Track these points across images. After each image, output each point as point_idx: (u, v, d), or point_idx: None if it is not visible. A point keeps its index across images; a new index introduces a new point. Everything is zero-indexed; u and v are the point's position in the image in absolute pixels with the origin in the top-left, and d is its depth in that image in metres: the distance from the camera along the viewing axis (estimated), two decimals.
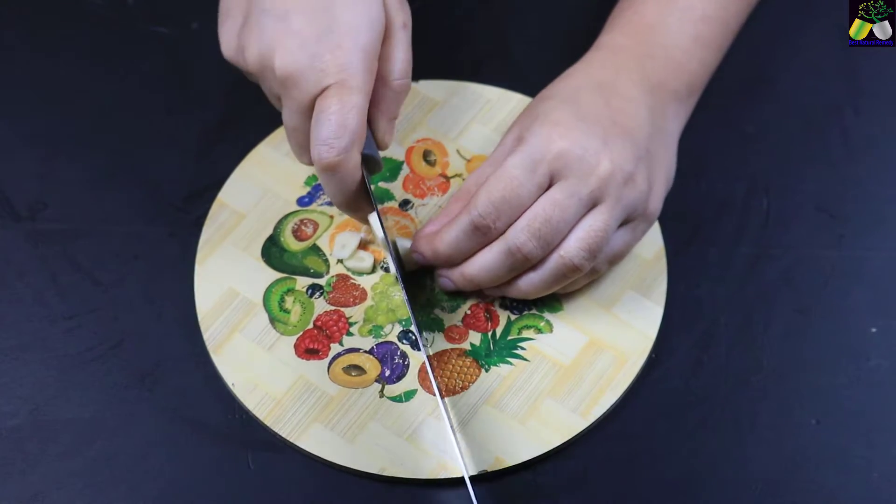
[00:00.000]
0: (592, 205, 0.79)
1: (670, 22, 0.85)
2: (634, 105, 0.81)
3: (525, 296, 0.82)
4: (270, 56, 0.78)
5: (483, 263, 0.80)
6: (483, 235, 0.79)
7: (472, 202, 0.79)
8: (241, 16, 0.80)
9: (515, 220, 0.79)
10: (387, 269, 0.85)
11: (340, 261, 0.85)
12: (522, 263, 0.79)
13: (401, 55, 0.80)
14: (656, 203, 0.81)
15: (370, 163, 0.81)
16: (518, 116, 0.83)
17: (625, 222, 0.81)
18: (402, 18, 0.80)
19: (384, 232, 0.81)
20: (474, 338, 0.83)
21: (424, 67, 0.93)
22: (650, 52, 0.84)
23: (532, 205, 0.79)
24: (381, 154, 0.87)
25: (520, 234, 0.79)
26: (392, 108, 0.81)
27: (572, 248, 0.79)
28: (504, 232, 0.79)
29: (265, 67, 0.79)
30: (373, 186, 0.84)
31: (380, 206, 0.88)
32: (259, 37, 0.79)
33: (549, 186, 0.79)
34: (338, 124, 0.77)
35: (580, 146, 0.78)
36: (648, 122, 0.81)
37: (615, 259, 0.82)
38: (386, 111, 0.81)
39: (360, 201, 0.80)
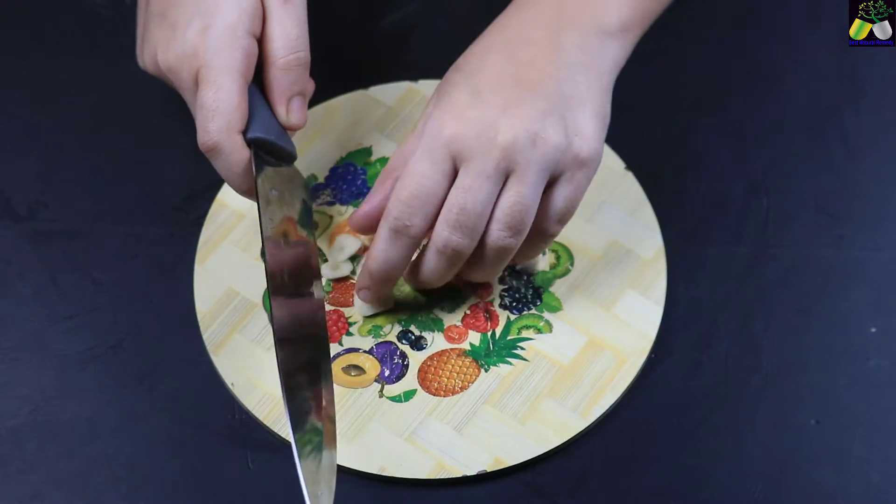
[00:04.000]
0: (504, 177, 0.77)
1: None
2: (544, 49, 0.79)
3: (486, 279, 0.82)
4: (156, 55, 0.80)
5: (423, 269, 0.80)
6: (406, 237, 0.78)
7: (385, 209, 0.78)
8: (142, 26, 0.82)
9: (433, 215, 0.77)
10: None
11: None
12: (459, 256, 0.78)
13: (280, 31, 0.79)
14: (586, 146, 0.78)
15: (270, 147, 0.80)
16: (438, 85, 0.81)
17: (555, 179, 0.78)
18: None
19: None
20: (474, 338, 0.83)
21: (424, 67, 0.93)
22: None
23: (448, 196, 0.77)
24: (382, 154, 0.87)
25: (442, 231, 0.77)
26: (284, 88, 0.80)
27: (494, 231, 0.78)
28: (423, 228, 0.78)
29: (157, 68, 0.80)
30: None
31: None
32: (148, 39, 0.81)
33: (456, 168, 0.77)
34: (207, 108, 0.77)
35: (474, 124, 0.76)
36: (561, 65, 0.78)
37: (564, 217, 0.79)
38: (279, 92, 0.80)
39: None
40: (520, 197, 0.77)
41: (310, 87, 0.83)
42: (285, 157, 0.81)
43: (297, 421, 0.74)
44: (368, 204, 0.81)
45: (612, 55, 0.81)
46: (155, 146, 0.91)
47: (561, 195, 0.78)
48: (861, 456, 0.80)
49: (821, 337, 0.84)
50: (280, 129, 0.80)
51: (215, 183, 0.88)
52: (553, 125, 0.77)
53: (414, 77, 0.92)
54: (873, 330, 0.84)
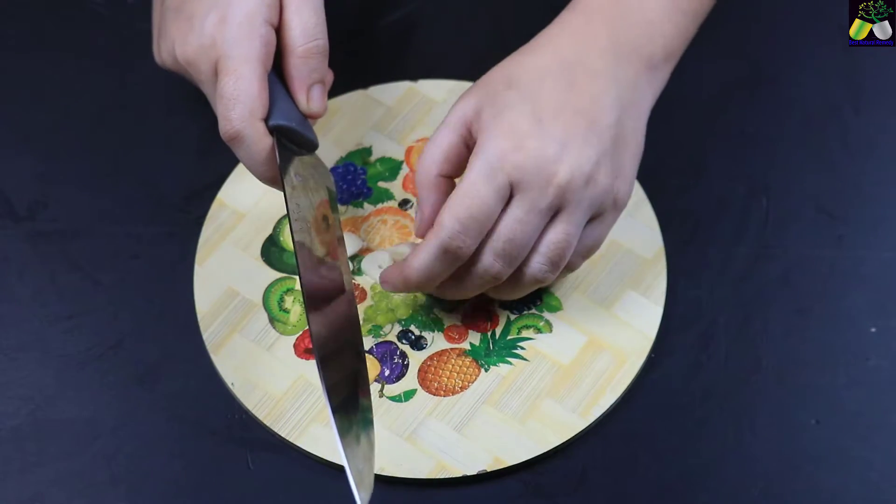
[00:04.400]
0: (554, 213, 0.77)
1: None
2: (602, 82, 0.79)
3: (499, 298, 0.82)
4: (174, 49, 0.80)
5: (455, 285, 0.80)
6: (456, 257, 0.77)
7: (436, 225, 0.77)
8: (158, 22, 0.83)
9: (484, 237, 0.77)
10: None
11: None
12: (491, 283, 0.79)
13: (298, 20, 0.79)
14: (624, 189, 0.79)
15: (293, 135, 0.80)
16: (480, 83, 0.80)
17: (592, 218, 0.79)
18: None
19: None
20: (474, 337, 0.83)
21: (424, 67, 0.93)
22: (625, 13, 0.81)
23: (496, 222, 0.77)
24: (381, 154, 0.87)
25: (486, 258, 0.77)
26: (304, 75, 0.80)
27: (536, 264, 0.78)
28: (473, 248, 0.77)
29: (175, 62, 0.81)
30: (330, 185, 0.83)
31: (380, 205, 0.88)
32: (165, 34, 0.81)
33: (511, 193, 0.77)
34: (228, 97, 0.77)
35: (536, 156, 0.76)
36: (615, 101, 0.79)
37: (588, 253, 0.81)
38: (299, 80, 0.80)
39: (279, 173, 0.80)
40: (566, 235, 0.78)
41: (329, 76, 0.83)
42: (307, 144, 0.81)
43: (335, 400, 0.74)
44: (428, 207, 0.80)
45: (654, 89, 0.82)
46: (155, 146, 0.91)
47: (592, 234, 0.80)
48: (861, 456, 0.80)
49: (821, 337, 0.84)
50: (301, 117, 0.80)
51: (215, 183, 0.88)
52: (605, 167, 0.78)
53: (414, 77, 0.92)
54: (873, 330, 0.84)
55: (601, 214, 0.79)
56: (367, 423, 0.74)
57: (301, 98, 0.80)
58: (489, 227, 0.77)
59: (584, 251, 0.80)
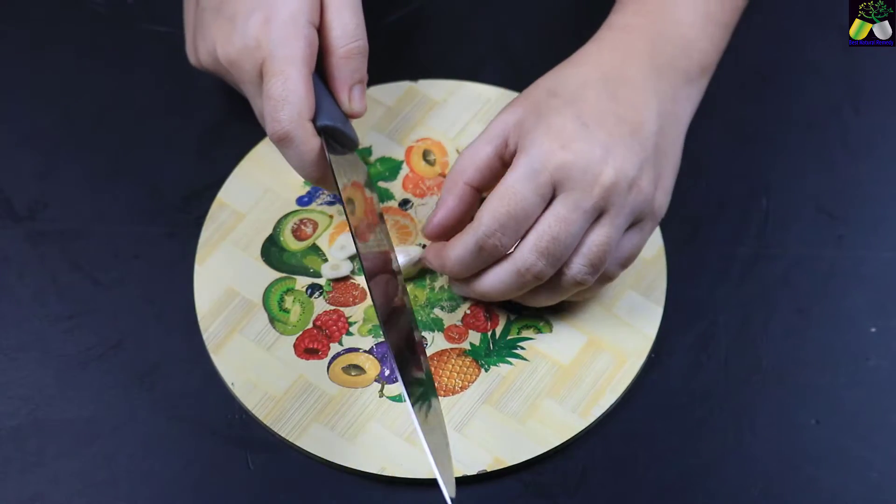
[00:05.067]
0: (597, 215, 0.78)
1: (683, 1, 0.83)
2: (643, 94, 0.80)
3: (535, 305, 0.82)
4: (215, 49, 0.80)
5: (493, 282, 0.79)
6: (489, 254, 0.78)
7: (476, 220, 0.77)
8: (193, 22, 0.83)
9: (522, 236, 0.78)
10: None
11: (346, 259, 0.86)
12: (532, 282, 0.79)
13: (339, 21, 0.80)
14: (663, 199, 0.80)
15: (337, 135, 0.80)
16: (521, 97, 0.81)
17: (631, 225, 0.79)
18: None
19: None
20: (474, 337, 0.83)
21: (424, 67, 0.93)
22: (662, 30, 0.82)
23: (537, 220, 0.77)
24: (381, 154, 0.87)
25: (528, 255, 0.77)
26: (346, 76, 0.81)
27: (576, 265, 0.78)
28: (510, 248, 0.78)
29: (216, 62, 0.81)
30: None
31: (380, 205, 0.88)
32: (203, 35, 0.82)
33: (552, 195, 0.77)
34: (276, 98, 0.78)
35: (582, 157, 0.77)
36: (656, 113, 0.80)
37: (626, 262, 0.81)
38: (341, 80, 0.81)
39: (327, 172, 0.80)
40: (608, 238, 0.78)
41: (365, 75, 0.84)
42: (349, 143, 0.82)
43: (414, 394, 0.75)
44: (443, 211, 0.80)
45: (692, 103, 0.83)
46: (155, 146, 0.91)
47: (630, 241, 0.80)
48: (861, 456, 0.80)
49: (821, 337, 0.84)
50: (343, 117, 0.81)
51: (215, 183, 0.88)
52: (647, 174, 0.78)
53: (414, 77, 0.92)
54: (873, 330, 0.84)
55: (640, 222, 0.79)
56: (438, 423, 0.75)
57: (343, 98, 0.81)
58: (528, 226, 0.77)
59: (623, 259, 0.80)
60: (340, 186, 0.79)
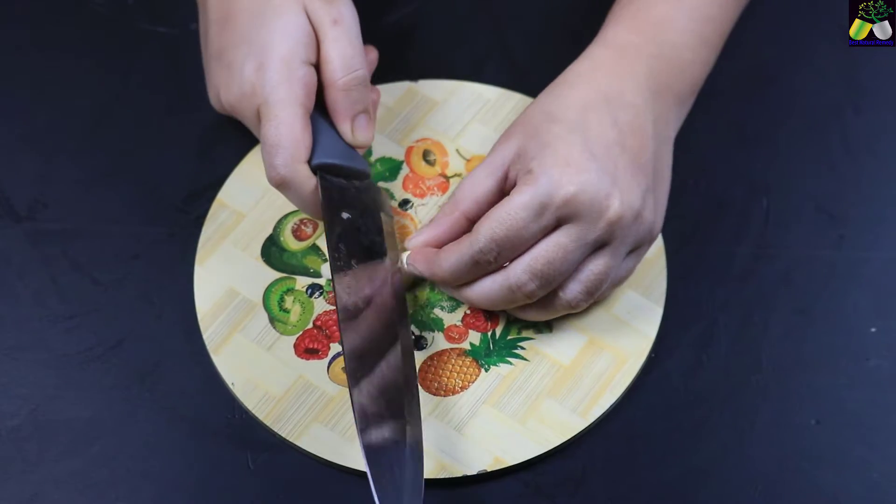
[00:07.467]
0: (599, 246, 0.78)
1: (678, 19, 0.83)
2: (641, 117, 0.79)
3: (526, 318, 0.82)
4: (220, 97, 0.83)
5: (483, 293, 0.79)
6: (483, 268, 0.78)
7: (474, 234, 0.77)
8: (206, 70, 0.85)
9: (517, 256, 0.77)
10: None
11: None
12: (523, 299, 0.79)
13: (336, 53, 0.80)
14: (660, 222, 0.81)
15: (338, 170, 0.81)
16: (518, 123, 0.80)
17: (629, 251, 0.80)
18: (330, 16, 0.80)
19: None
20: (474, 337, 0.83)
21: (424, 67, 0.93)
22: (658, 51, 0.82)
23: (536, 243, 0.77)
24: (381, 154, 0.86)
25: (521, 274, 0.77)
26: (347, 108, 0.81)
27: (572, 290, 0.78)
28: (504, 263, 0.78)
29: (225, 108, 0.83)
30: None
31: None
32: (210, 82, 0.84)
33: (556, 226, 0.77)
34: (270, 143, 0.79)
35: (590, 190, 0.76)
36: (653, 137, 0.80)
37: (620, 283, 0.82)
38: (343, 113, 0.81)
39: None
40: (607, 268, 0.78)
41: (374, 95, 0.85)
42: (357, 175, 0.82)
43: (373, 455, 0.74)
44: (432, 231, 0.80)
45: (679, 123, 0.84)
46: (155, 146, 0.91)
47: (627, 266, 0.80)
48: (861, 456, 0.80)
49: (821, 337, 0.84)
50: (347, 149, 0.82)
51: (215, 183, 0.88)
52: (650, 204, 0.78)
53: (414, 77, 0.92)
54: (873, 330, 0.84)
55: (639, 247, 0.80)
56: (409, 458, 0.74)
57: (346, 129, 0.82)
58: (524, 248, 0.77)
59: (618, 280, 0.81)
60: (327, 226, 0.79)
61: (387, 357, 0.77)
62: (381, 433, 0.74)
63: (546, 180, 0.76)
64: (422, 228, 0.82)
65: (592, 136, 0.78)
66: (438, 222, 0.81)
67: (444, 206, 0.81)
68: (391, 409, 0.75)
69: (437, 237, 0.81)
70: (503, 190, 0.79)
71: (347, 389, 0.81)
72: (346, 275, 0.78)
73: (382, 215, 0.83)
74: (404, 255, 0.82)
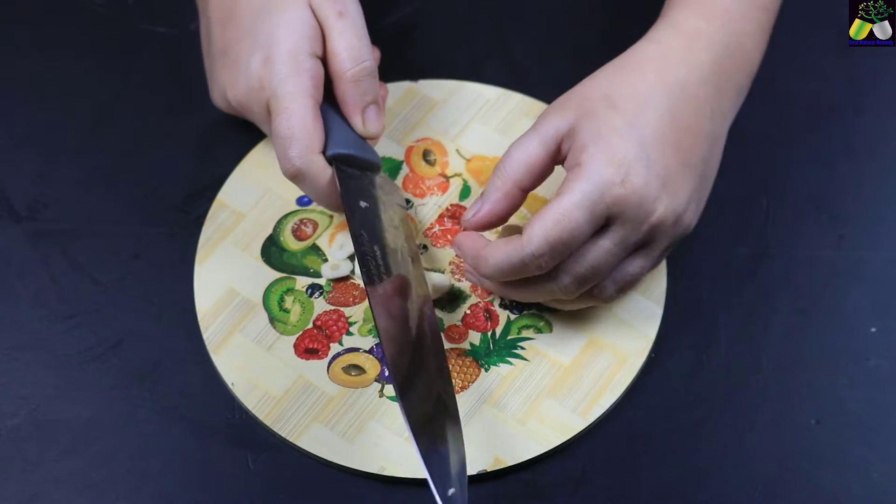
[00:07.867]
0: (639, 247, 0.78)
1: (742, 8, 0.81)
2: (700, 113, 0.78)
3: (548, 304, 0.82)
4: (226, 94, 0.82)
5: (522, 292, 0.80)
6: (530, 272, 0.77)
7: (525, 236, 0.76)
8: (208, 67, 0.85)
9: (564, 258, 0.77)
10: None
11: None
12: (558, 296, 0.79)
13: (343, 45, 0.80)
14: (695, 223, 0.80)
15: (352, 160, 0.81)
16: (573, 98, 0.78)
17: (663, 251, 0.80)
18: (335, 9, 0.80)
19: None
20: (474, 337, 0.83)
21: (424, 67, 0.93)
22: (726, 40, 0.80)
23: (582, 246, 0.76)
24: (381, 154, 0.86)
25: (564, 277, 0.77)
26: (357, 99, 0.81)
27: (607, 289, 0.79)
28: (551, 268, 0.77)
29: (231, 106, 0.83)
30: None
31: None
32: (214, 79, 0.84)
33: (605, 224, 0.76)
34: (283, 136, 0.79)
35: (639, 193, 0.75)
36: (708, 136, 0.79)
37: (645, 277, 0.82)
38: (353, 105, 0.81)
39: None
40: (643, 269, 0.79)
41: (382, 90, 0.84)
42: (369, 166, 0.82)
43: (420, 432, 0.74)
44: (490, 207, 0.79)
45: (734, 114, 0.82)
46: (155, 146, 0.91)
47: (655, 263, 0.80)
48: (861, 456, 0.80)
49: (821, 337, 0.84)
50: (359, 141, 0.82)
51: (215, 183, 0.88)
52: (693, 207, 0.78)
53: (414, 77, 0.92)
54: (873, 330, 0.84)
55: (670, 246, 0.80)
56: (453, 444, 0.74)
57: (357, 121, 0.81)
58: (573, 251, 0.76)
59: (644, 276, 0.81)
60: (348, 215, 0.79)
61: (421, 340, 0.77)
62: (426, 408, 0.75)
63: (598, 178, 0.75)
64: (475, 204, 0.80)
65: (649, 133, 0.76)
66: (492, 198, 0.79)
67: (492, 178, 0.79)
68: (425, 374, 0.76)
69: (497, 214, 0.79)
70: (555, 161, 0.78)
71: (347, 389, 0.81)
72: (371, 259, 0.78)
73: (397, 206, 0.83)
74: (439, 281, 0.82)
